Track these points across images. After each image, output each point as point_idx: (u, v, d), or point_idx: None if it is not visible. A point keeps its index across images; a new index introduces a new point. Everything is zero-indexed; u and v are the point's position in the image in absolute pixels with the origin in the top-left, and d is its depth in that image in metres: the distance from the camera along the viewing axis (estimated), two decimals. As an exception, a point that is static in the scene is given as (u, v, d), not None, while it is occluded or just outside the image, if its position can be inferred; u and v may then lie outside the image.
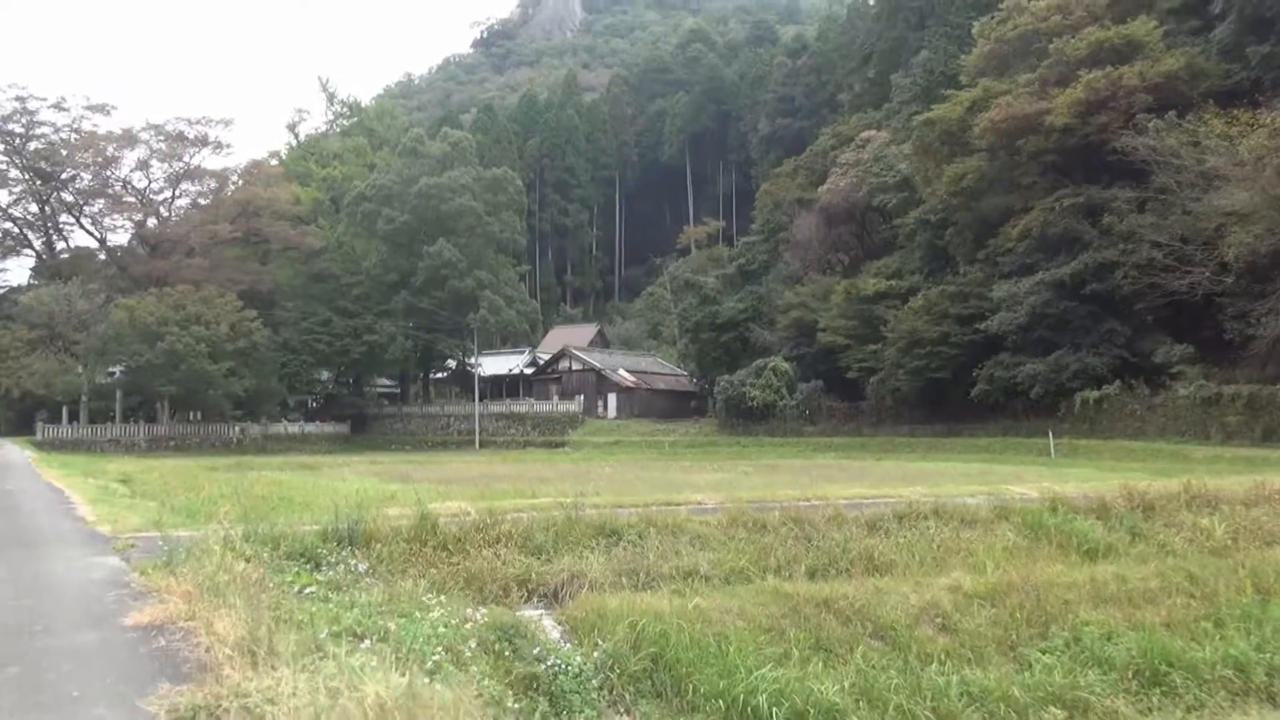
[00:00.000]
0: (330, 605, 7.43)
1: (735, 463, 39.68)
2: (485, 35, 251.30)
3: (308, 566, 8.88)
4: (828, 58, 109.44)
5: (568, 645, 8.58)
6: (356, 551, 9.61)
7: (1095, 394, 39.21)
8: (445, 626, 7.42)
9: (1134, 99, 39.53)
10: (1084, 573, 11.77)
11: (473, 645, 7.40)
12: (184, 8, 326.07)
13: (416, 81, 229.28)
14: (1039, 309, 40.63)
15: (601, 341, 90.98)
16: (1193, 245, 36.05)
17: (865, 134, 59.59)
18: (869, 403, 52.42)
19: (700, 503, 13.80)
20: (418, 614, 7.57)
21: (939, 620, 10.27)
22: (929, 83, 59.88)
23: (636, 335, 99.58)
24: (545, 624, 8.95)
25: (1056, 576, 11.46)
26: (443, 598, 8.37)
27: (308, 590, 8.01)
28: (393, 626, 6.89)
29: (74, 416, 58.37)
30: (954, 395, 46.41)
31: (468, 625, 7.81)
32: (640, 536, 11.06)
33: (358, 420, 72.74)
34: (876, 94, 77.68)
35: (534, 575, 9.86)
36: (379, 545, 9.80)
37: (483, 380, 71.52)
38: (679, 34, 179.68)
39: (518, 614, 8.82)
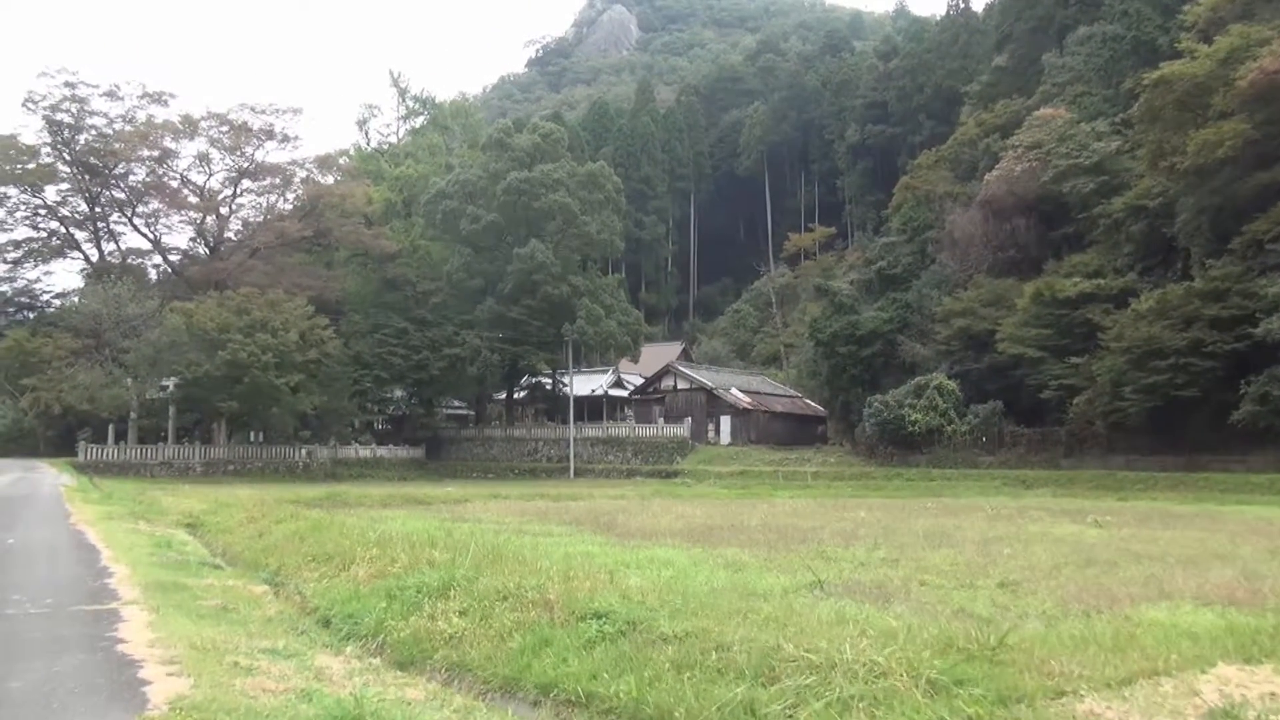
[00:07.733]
0: None
1: (987, 503, 30.77)
2: (540, 54, 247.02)
3: None
4: (923, 59, 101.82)
5: None
6: None
7: None
8: None
9: None
10: None
11: None
12: (234, 20, 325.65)
13: (471, 100, 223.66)
14: (1345, 307, 31.40)
15: (687, 361, 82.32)
16: None
17: (1041, 112, 50.53)
18: (1067, 428, 43.09)
19: None
20: None
21: None
22: (1113, 53, 50.97)
23: (723, 355, 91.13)
24: None
25: None
26: None
27: None
28: None
29: (121, 435, 50.94)
30: (1196, 419, 37.09)
31: None
32: None
33: (432, 444, 64.82)
34: (1012, 81, 69.14)
35: None
36: None
37: (565, 402, 63.17)
38: (740, 50, 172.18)
39: None
